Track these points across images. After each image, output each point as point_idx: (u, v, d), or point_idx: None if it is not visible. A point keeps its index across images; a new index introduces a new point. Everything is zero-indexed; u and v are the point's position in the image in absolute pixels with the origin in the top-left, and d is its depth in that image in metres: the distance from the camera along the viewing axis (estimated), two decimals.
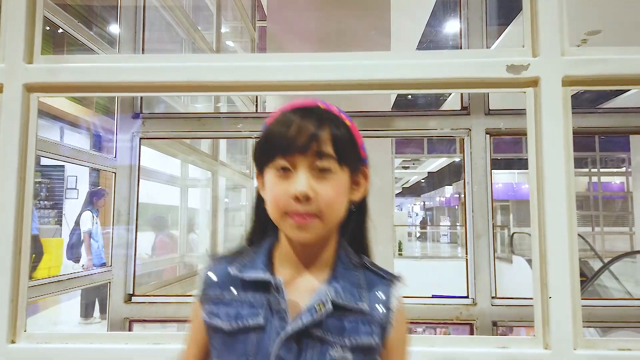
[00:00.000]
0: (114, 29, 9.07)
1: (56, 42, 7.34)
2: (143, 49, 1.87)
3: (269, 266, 0.77)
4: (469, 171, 1.76)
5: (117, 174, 1.82)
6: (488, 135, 1.77)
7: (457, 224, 17.48)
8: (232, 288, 0.77)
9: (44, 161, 9.95)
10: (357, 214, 0.81)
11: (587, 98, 11.12)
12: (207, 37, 3.80)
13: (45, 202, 10.10)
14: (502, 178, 18.73)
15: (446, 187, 23.09)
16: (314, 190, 0.72)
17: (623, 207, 16.44)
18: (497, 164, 18.34)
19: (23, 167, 1.21)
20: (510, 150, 16.50)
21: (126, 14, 1.84)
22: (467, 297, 1.74)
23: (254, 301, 0.75)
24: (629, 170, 14.78)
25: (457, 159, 15.71)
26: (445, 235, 20.40)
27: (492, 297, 1.71)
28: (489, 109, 1.78)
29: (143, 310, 1.78)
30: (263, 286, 0.75)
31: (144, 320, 1.78)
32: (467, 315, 1.70)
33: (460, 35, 1.78)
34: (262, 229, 0.81)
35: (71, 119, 8.70)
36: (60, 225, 10.08)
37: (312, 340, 0.71)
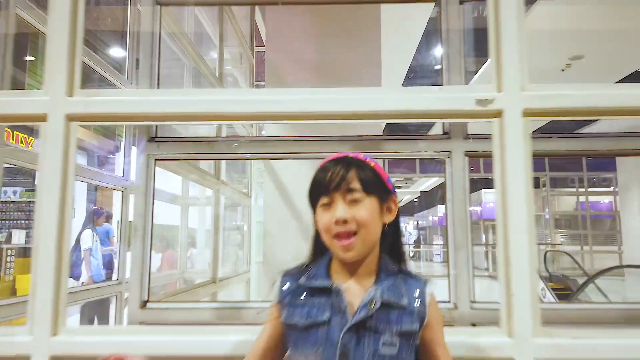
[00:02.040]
0: (115, 52, 9.35)
1: None
2: (159, 79, 2.09)
3: (329, 276, 1.02)
4: (450, 189, 1.98)
5: (135, 192, 2.01)
6: (467, 157, 1.99)
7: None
8: (303, 294, 1.02)
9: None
10: (393, 232, 1.07)
11: (568, 124, 11.51)
12: (207, 60, 4.04)
13: None
14: (494, 198, 18.96)
15: (439, 206, 23.33)
16: (349, 214, 0.98)
17: (611, 226, 16.73)
18: (488, 183, 18.64)
19: (64, 184, 1.41)
20: None
21: (144, 48, 2.07)
22: (449, 301, 1.94)
23: (321, 303, 0.99)
24: (617, 190, 15.10)
25: None
26: (438, 254, 20.56)
27: (471, 302, 1.91)
28: (467, 134, 2.01)
29: (157, 315, 1.97)
30: (326, 291, 1.00)
31: (158, 324, 1.96)
32: (449, 318, 1.89)
33: (442, 71, 2.02)
34: (319, 250, 1.08)
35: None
36: None
37: (367, 331, 0.96)
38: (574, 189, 16.32)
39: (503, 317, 1.34)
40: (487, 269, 13.92)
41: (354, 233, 0.98)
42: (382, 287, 1.00)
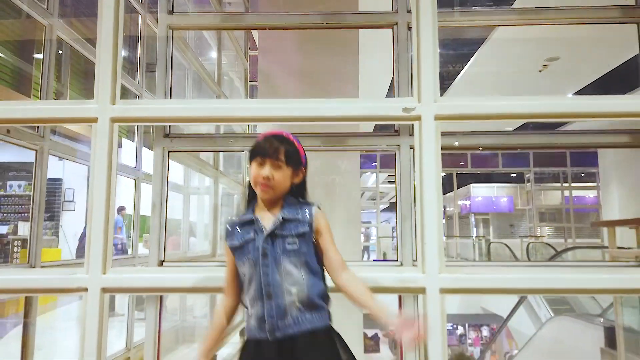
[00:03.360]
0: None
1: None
2: (171, 88, 2.66)
3: (252, 213, 1.61)
4: (399, 173, 2.56)
5: (154, 176, 2.58)
6: (412, 150, 2.57)
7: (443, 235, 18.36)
8: (237, 228, 1.61)
9: None
10: (301, 186, 1.67)
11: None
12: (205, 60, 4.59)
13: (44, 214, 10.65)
14: (482, 192, 19.67)
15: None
16: (272, 174, 1.56)
17: (596, 219, 17.36)
18: (476, 178, 19.28)
19: (110, 166, 1.99)
20: (488, 165, 17.48)
21: (160, 66, 2.63)
22: (396, 260, 2.52)
23: (248, 229, 1.59)
24: (599, 185, 15.72)
25: (443, 174, 16.51)
26: None
27: (414, 260, 2.49)
28: (412, 131, 2.58)
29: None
30: (251, 222, 1.59)
31: None
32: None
33: (393, 83, 2.60)
34: (251, 193, 1.65)
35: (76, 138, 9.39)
36: (57, 236, 10.72)
37: (277, 237, 1.55)
38: (559, 184, 16.91)
39: (419, 260, 1.92)
40: (474, 260, 14.57)
41: (271, 186, 1.54)
42: (284, 211, 1.57)
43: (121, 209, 7.50)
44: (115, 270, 1.97)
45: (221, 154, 5.10)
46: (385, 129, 2.83)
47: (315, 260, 1.58)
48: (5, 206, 11.44)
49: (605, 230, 14.51)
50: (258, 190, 1.58)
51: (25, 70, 7.44)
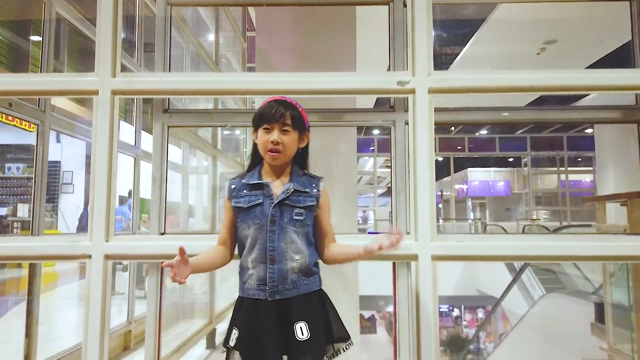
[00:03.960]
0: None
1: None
2: (170, 63, 2.69)
3: (261, 177, 1.66)
4: (394, 149, 2.62)
5: (154, 151, 2.63)
6: (407, 125, 2.62)
7: (440, 217, 18.52)
8: (245, 189, 1.65)
9: None
10: (303, 152, 1.72)
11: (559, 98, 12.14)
12: (203, 42, 4.61)
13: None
14: (479, 176, 19.77)
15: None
16: (280, 139, 1.60)
17: (592, 203, 17.50)
18: (474, 162, 19.36)
19: (111, 139, 2.04)
20: (485, 149, 17.54)
21: (158, 42, 2.66)
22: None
23: (257, 193, 1.64)
24: (595, 168, 15.81)
25: (440, 159, 16.68)
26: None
27: (407, 233, 2.56)
28: (407, 107, 2.63)
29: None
30: (259, 186, 1.64)
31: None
32: None
33: (390, 58, 2.65)
34: (255, 160, 1.70)
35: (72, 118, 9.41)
36: (56, 218, 10.78)
37: (286, 206, 1.61)
38: (555, 168, 17.02)
39: (411, 228, 1.99)
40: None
41: (280, 151, 1.59)
42: (294, 182, 1.63)
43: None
44: (118, 238, 2.03)
45: (219, 136, 5.14)
46: (382, 106, 2.87)
47: (312, 230, 1.67)
48: (4, 188, 11.50)
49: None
50: (267, 157, 1.62)
51: (23, 48, 7.41)
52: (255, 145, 1.68)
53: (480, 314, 16.81)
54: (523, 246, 1.99)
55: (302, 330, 1.53)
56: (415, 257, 1.96)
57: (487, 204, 20.04)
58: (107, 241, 2.00)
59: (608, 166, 13.82)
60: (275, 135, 1.59)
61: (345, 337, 1.67)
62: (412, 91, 2.02)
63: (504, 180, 19.73)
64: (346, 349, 1.68)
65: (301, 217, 1.61)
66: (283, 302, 1.58)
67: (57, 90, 2.08)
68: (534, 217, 16.65)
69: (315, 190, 1.65)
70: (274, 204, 1.59)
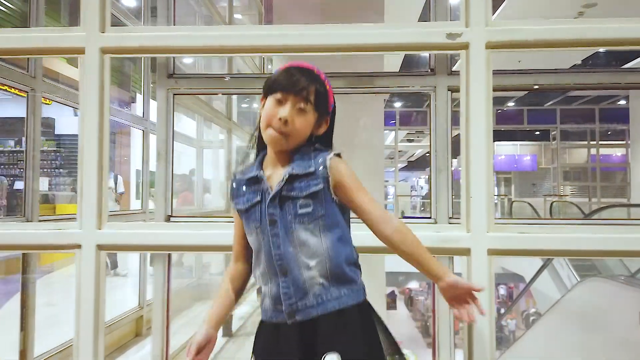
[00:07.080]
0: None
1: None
2: (174, 18, 2.32)
3: (260, 168, 1.26)
4: (434, 120, 2.23)
5: (158, 122, 2.30)
6: (449, 92, 2.23)
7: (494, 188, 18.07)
8: (243, 186, 1.28)
9: (60, 130, 10.40)
10: (326, 137, 1.30)
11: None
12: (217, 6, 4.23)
13: (61, 170, 10.56)
14: (505, 150, 19.09)
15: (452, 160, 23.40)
16: (291, 118, 1.19)
17: (623, 178, 16.78)
18: (499, 136, 18.65)
19: (102, 107, 1.71)
20: (512, 122, 16.83)
21: None
22: (430, 217, 2.23)
23: (255, 189, 1.25)
24: (629, 142, 15.07)
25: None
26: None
27: (449, 218, 2.20)
28: (451, 70, 2.24)
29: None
30: (257, 180, 1.25)
31: None
32: None
33: (429, 8, 2.24)
34: (262, 143, 1.28)
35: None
36: (75, 192, 10.63)
37: (286, 200, 1.21)
38: (585, 142, 16.29)
39: (463, 216, 1.63)
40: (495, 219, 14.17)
41: (286, 133, 1.19)
42: (293, 166, 1.21)
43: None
44: (113, 225, 1.72)
45: (235, 106, 4.79)
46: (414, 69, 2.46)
47: (339, 219, 1.23)
48: (20, 162, 11.38)
49: (631, 189, 14.00)
50: (266, 136, 1.22)
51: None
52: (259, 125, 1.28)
53: (502, 290, 16.45)
54: (604, 239, 1.60)
55: None
56: (467, 252, 1.60)
57: (513, 178, 19.42)
58: (99, 228, 1.69)
59: None
60: (286, 110, 1.19)
61: None
62: (466, 46, 1.63)
63: (530, 155, 19.05)
64: None
65: (308, 209, 1.19)
66: (308, 325, 1.18)
67: (35, 48, 1.74)
68: (562, 192, 16.04)
69: (321, 168, 1.20)
70: (268, 199, 1.21)
